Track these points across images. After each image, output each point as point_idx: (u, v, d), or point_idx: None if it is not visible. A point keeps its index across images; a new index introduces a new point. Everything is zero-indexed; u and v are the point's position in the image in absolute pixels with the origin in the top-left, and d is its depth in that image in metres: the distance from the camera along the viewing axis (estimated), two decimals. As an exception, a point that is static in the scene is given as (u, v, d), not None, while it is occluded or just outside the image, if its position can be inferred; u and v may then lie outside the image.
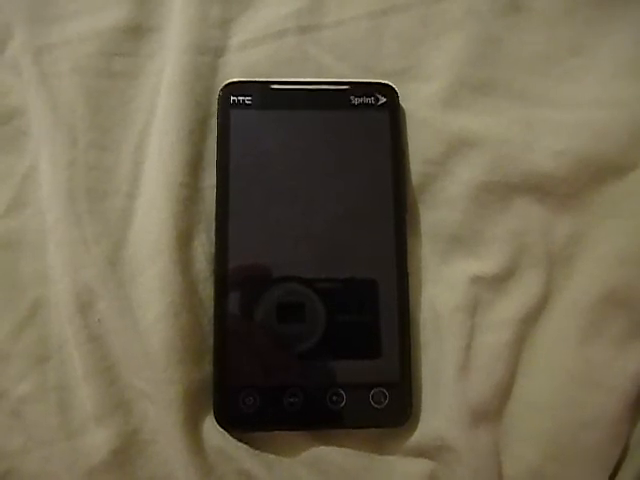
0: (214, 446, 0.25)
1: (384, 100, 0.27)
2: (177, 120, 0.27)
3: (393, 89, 0.28)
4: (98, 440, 0.25)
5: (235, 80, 0.28)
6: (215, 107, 0.28)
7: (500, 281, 0.27)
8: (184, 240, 0.26)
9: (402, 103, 0.28)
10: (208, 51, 0.29)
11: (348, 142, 0.27)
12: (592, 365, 0.25)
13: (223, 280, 0.26)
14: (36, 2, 0.29)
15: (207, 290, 0.26)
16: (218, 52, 0.29)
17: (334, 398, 0.25)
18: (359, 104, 0.27)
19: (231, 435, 0.25)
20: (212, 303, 0.26)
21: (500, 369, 0.26)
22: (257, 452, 0.25)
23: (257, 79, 0.28)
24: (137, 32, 0.29)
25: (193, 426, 0.25)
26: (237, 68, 0.29)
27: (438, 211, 0.27)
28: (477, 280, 0.27)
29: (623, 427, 0.25)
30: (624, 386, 0.25)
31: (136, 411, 0.25)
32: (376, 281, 0.26)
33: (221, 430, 0.25)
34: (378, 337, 0.26)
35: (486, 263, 0.27)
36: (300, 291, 0.26)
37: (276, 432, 0.25)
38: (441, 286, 0.27)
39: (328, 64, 0.29)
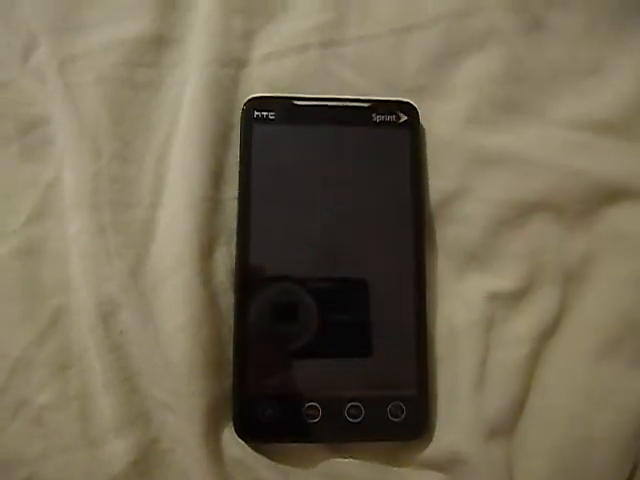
0: (233, 456, 0.25)
1: (405, 118, 0.28)
2: (199, 132, 0.28)
3: (414, 107, 0.28)
4: (118, 449, 0.25)
5: (258, 95, 0.28)
6: (236, 119, 0.28)
7: (516, 298, 0.27)
8: (205, 252, 0.26)
9: (423, 120, 0.28)
10: (230, 63, 0.29)
11: (369, 158, 0.27)
12: (605, 384, 0.26)
13: (243, 292, 0.26)
14: (61, 12, 0.30)
15: (227, 303, 0.26)
16: (240, 64, 0.29)
17: (352, 411, 0.25)
18: (380, 121, 0.28)
19: (249, 446, 0.25)
20: (232, 315, 0.26)
21: (515, 385, 0.26)
22: (274, 463, 0.25)
23: (280, 94, 0.28)
24: (160, 43, 0.29)
25: (213, 436, 0.25)
26: (259, 81, 0.29)
27: (456, 227, 0.28)
28: (493, 296, 0.27)
29: (633, 446, 0.25)
30: (636, 405, 0.25)
31: (155, 421, 0.26)
32: (394, 296, 0.26)
33: (240, 441, 0.25)
34: (396, 351, 0.26)
35: (502, 279, 0.27)
36: (317, 304, 0.26)
37: (294, 444, 0.26)
38: (457, 301, 0.27)
39: (350, 79, 0.29)
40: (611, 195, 0.27)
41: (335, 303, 0.26)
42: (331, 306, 0.26)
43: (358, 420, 0.25)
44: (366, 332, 0.26)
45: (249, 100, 0.28)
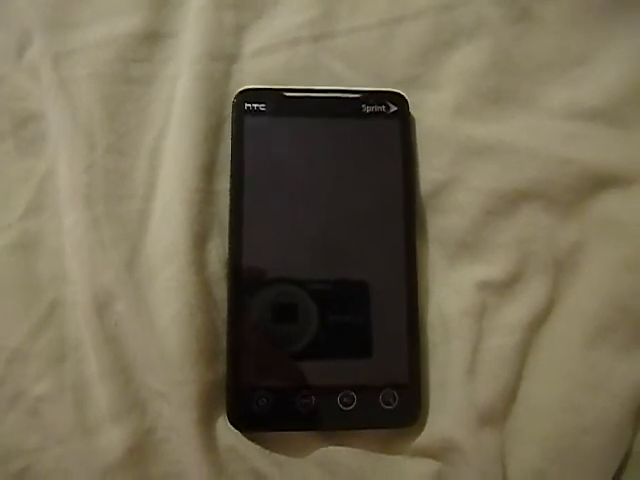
0: (226, 445, 0.25)
1: (395, 109, 0.28)
2: (191, 125, 0.28)
3: (404, 98, 0.28)
4: (114, 439, 0.25)
5: (249, 87, 0.28)
6: (228, 113, 0.28)
7: (506, 286, 0.27)
8: (199, 243, 0.27)
9: (412, 110, 0.28)
10: (222, 58, 0.29)
11: (359, 149, 0.28)
12: (596, 370, 0.26)
13: (237, 282, 0.26)
14: (55, 8, 0.30)
15: (221, 292, 0.27)
16: (232, 59, 0.30)
17: (345, 399, 0.25)
18: (370, 112, 0.28)
19: (243, 435, 0.25)
20: (226, 305, 0.26)
21: (506, 372, 0.26)
22: (268, 452, 0.26)
23: (271, 87, 0.28)
24: (153, 38, 0.30)
25: (207, 425, 0.25)
26: (250, 75, 0.29)
27: (447, 217, 0.28)
28: (484, 285, 0.27)
29: (625, 432, 0.25)
30: (627, 392, 0.25)
31: (150, 410, 0.26)
32: (386, 284, 0.27)
33: (234, 430, 0.25)
34: (388, 339, 0.26)
35: (493, 268, 0.27)
36: (312, 293, 0.26)
37: (287, 432, 0.26)
38: (449, 290, 0.28)
39: (340, 72, 0.30)
40: (600, 183, 0.27)
41: (327, 296, 0.26)
42: (324, 299, 0.26)
43: (351, 408, 0.25)
44: (359, 322, 0.26)
45: (240, 92, 0.28)
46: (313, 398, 0.25)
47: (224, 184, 0.28)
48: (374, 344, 0.26)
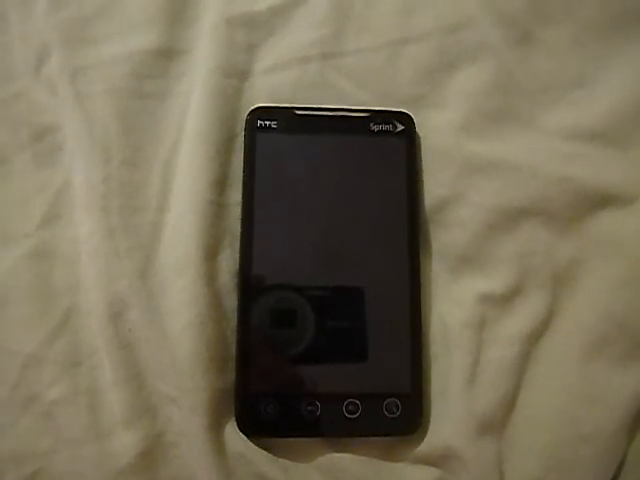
0: (235, 450, 0.26)
1: (402, 128, 0.29)
2: (204, 140, 0.29)
3: (410, 117, 0.29)
4: (126, 443, 0.26)
5: (262, 105, 0.29)
6: (240, 128, 0.29)
7: (507, 300, 0.28)
8: (210, 254, 0.28)
9: (417, 129, 0.29)
10: (234, 74, 0.30)
11: (367, 165, 0.29)
12: (592, 382, 0.26)
13: (246, 293, 0.27)
14: (73, 24, 0.31)
15: (231, 302, 0.27)
16: (244, 75, 0.31)
17: (350, 407, 0.26)
18: (378, 131, 0.29)
19: (251, 440, 0.26)
20: (235, 315, 0.27)
21: (505, 383, 0.27)
22: (275, 457, 0.26)
23: (283, 105, 0.29)
24: (167, 55, 0.31)
25: (216, 431, 0.26)
26: (261, 91, 0.30)
27: (449, 232, 0.29)
28: (485, 298, 0.28)
29: (621, 442, 0.26)
30: (622, 403, 0.26)
31: (161, 415, 0.27)
32: (391, 296, 0.27)
33: (242, 436, 0.26)
34: (393, 350, 0.27)
35: (494, 282, 0.28)
36: (316, 303, 0.27)
37: (294, 439, 0.27)
38: (450, 303, 0.28)
39: (347, 90, 0.30)
40: (598, 201, 0.28)
41: (333, 307, 0.27)
42: (329, 310, 0.27)
43: (355, 416, 0.26)
44: (364, 333, 0.27)
45: (253, 110, 0.29)
46: (319, 406, 0.26)
47: (235, 197, 0.28)
48: (379, 354, 0.27)
